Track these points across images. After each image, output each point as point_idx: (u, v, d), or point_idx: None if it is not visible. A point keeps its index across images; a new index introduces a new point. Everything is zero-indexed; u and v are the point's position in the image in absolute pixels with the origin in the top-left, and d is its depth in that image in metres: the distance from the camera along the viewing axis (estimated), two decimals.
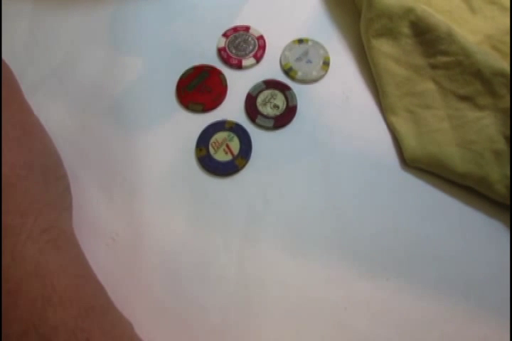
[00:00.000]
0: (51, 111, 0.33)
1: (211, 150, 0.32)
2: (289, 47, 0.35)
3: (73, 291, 0.23)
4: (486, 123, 0.30)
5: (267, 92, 0.33)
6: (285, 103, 0.33)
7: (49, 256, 0.23)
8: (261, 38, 0.35)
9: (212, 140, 0.32)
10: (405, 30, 0.32)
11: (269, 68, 0.35)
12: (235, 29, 0.35)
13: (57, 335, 0.21)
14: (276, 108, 0.33)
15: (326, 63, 0.34)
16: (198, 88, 0.33)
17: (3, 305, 0.21)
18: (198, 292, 0.29)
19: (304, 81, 0.34)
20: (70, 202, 0.28)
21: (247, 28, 0.35)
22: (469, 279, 0.29)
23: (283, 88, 0.33)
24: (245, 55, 0.34)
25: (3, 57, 0.30)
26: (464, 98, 0.31)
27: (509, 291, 0.28)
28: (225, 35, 0.35)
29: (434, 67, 0.32)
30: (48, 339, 0.21)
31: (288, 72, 0.34)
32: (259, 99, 0.33)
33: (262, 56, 0.35)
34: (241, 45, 0.35)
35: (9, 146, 0.24)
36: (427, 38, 0.32)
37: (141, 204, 0.31)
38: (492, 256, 0.29)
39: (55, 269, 0.23)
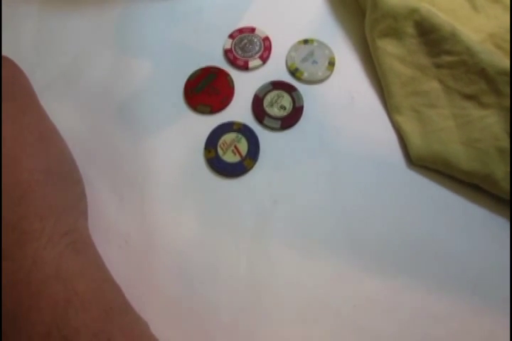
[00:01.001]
0: (60, 113, 0.33)
1: (220, 152, 0.32)
2: (294, 48, 0.35)
3: (93, 293, 0.23)
4: (490, 121, 0.31)
5: (273, 93, 0.34)
6: (292, 104, 0.33)
7: (69, 260, 0.24)
8: (267, 39, 0.35)
9: (221, 141, 0.32)
10: (410, 30, 0.33)
11: (275, 69, 0.35)
12: (241, 30, 0.36)
13: (79, 337, 0.22)
14: (283, 109, 0.33)
15: (332, 63, 0.35)
16: (206, 90, 0.34)
17: (27, 307, 0.22)
18: (209, 291, 0.29)
19: (309, 81, 0.34)
20: (85, 205, 0.29)
21: (252, 30, 0.36)
22: (475, 276, 0.29)
23: (289, 89, 0.34)
24: (251, 56, 0.35)
25: (16, 61, 0.30)
26: (469, 97, 0.31)
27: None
28: (231, 36, 0.36)
29: (438, 66, 0.32)
30: None
31: (294, 72, 0.34)
32: (266, 100, 0.33)
33: (268, 57, 0.35)
34: (247, 46, 0.35)
35: (28, 152, 0.25)
36: (431, 37, 0.32)
37: (151, 206, 0.31)
38: (498, 252, 0.30)
39: (75, 272, 0.24)
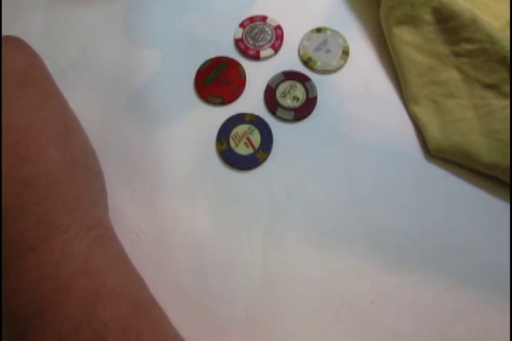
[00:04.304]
0: (70, 104, 0.32)
1: (232, 144, 0.31)
2: (307, 37, 0.34)
3: (121, 288, 0.23)
4: None
5: (286, 84, 0.33)
6: (305, 94, 0.32)
7: (96, 253, 0.23)
8: (278, 27, 0.34)
9: (233, 133, 0.32)
10: (427, 17, 0.32)
11: (288, 59, 0.34)
12: (252, 19, 0.35)
13: (109, 332, 0.21)
14: (296, 99, 0.32)
15: (346, 52, 0.34)
16: (217, 80, 0.33)
17: (54, 301, 0.21)
18: (223, 285, 0.29)
19: (323, 71, 0.33)
20: (106, 198, 0.28)
21: (264, 18, 0.35)
22: (496, 270, 0.29)
23: (302, 79, 0.33)
24: (263, 46, 0.34)
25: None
26: (489, 86, 0.30)
27: None
28: (242, 25, 0.35)
29: (457, 54, 0.31)
30: (100, 336, 0.21)
31: (307, 62, 0.33)
32: (279, 91, 0.33)
33: (280, 46, 0.34)
34: (258, 35, 0.34)
35: (53, 142, 0.24)
36: (450, 25, 0.31)
37: (163, 199, 0.30)
38: None
39: (103, 266, 0.23)
